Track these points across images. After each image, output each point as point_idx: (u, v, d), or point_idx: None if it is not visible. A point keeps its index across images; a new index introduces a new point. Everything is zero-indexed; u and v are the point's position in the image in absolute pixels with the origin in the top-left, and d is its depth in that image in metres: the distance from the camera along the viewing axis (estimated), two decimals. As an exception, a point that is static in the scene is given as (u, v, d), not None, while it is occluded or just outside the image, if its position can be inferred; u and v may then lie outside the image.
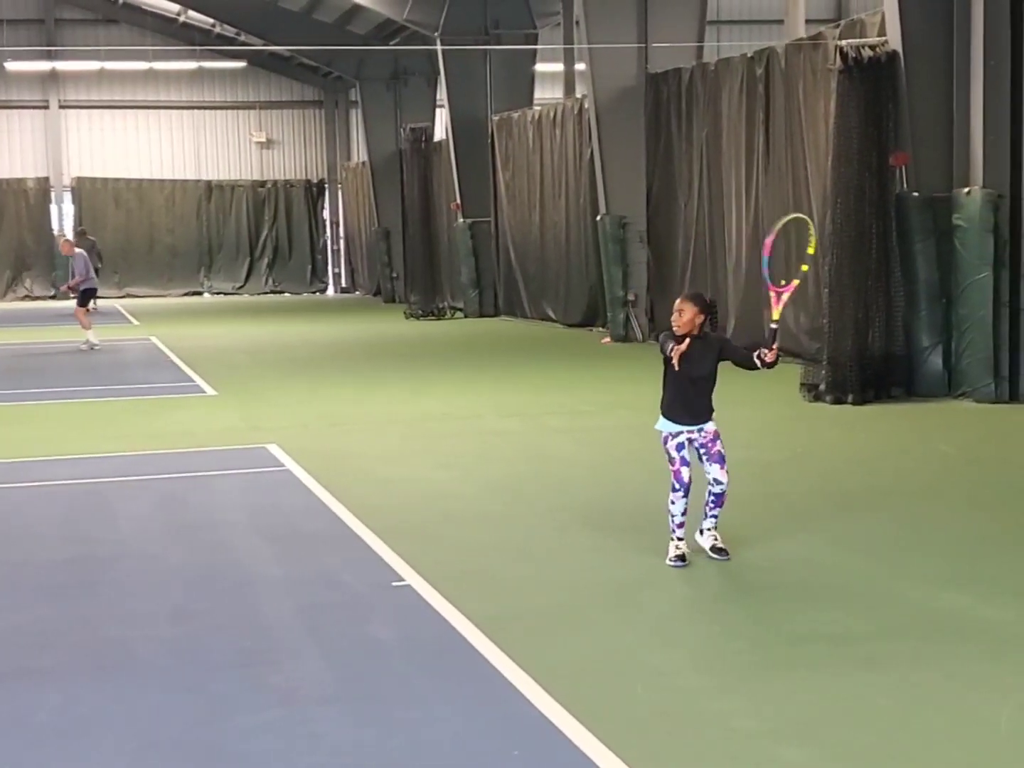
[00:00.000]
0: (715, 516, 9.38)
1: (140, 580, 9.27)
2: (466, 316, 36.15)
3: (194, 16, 47.23)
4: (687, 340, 9.00)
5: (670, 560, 9.22)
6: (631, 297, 26.69)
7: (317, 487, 12.20)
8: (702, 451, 9.24)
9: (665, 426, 9.26)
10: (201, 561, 9.78)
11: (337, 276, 54.25)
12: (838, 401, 17.17)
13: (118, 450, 14.69)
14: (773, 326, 9.33)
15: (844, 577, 8.98)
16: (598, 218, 27.25)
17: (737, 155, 23.22)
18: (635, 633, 7.80)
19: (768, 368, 9.23)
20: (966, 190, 16.96)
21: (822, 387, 17.46)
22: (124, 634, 7.96)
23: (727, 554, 9.30)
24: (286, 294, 51.87)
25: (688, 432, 9.21)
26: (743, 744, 6.09)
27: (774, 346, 9.16)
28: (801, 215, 10.30)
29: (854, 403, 17.10)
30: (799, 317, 21.15)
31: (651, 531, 9.94)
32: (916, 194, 17.48)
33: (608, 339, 26.84)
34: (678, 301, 9.22)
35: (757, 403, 16.78)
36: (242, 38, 47.94)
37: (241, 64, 49.88)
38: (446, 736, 6.26)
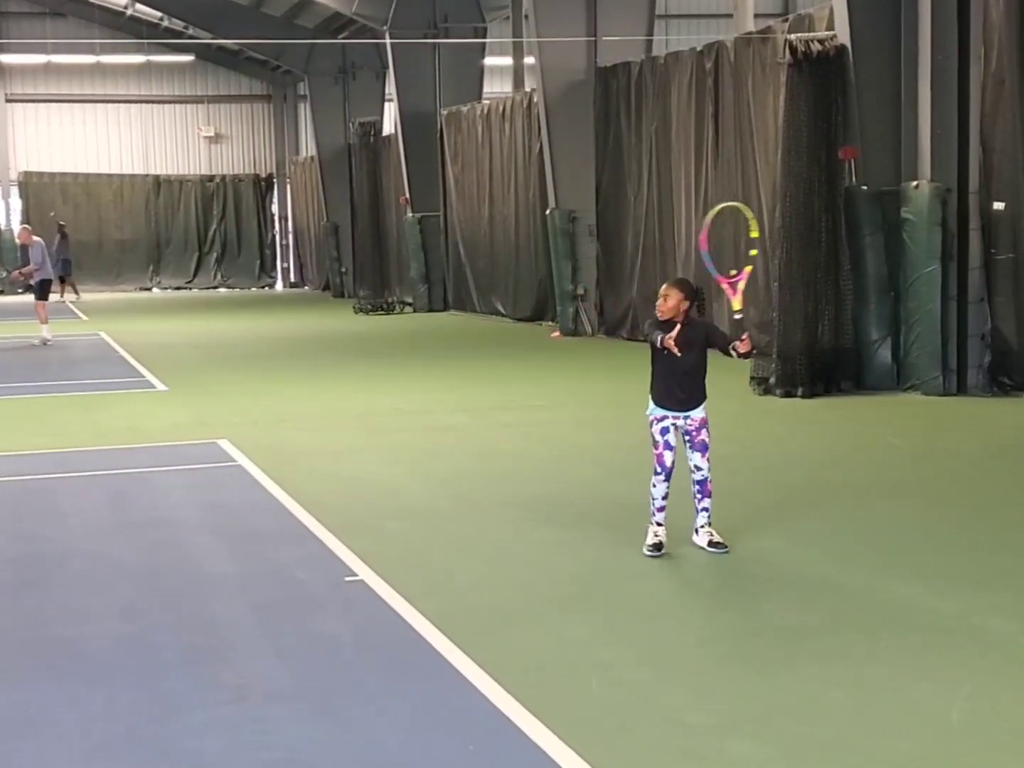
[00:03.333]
0: (706, 510, 9.39)
1: (89, 578, 9.19)
2: (415, 311, 36.11)
3: (142, 9, 46.96)
4: (678, 326, 8.98)
5: (646, 548, 9.25)
6: (580, 291, 26.73)
7: (268, 483, 12.15)
8: (686, 438, 9.29)
9: (652, 410, 9.31)
10: (151, 558, 9.72)
11: (286, 271, 54.14)
12: (788, 395, 17.24)
13: (65, 446, 14.58)
14: (737, 316, 9.39)
15: (794, 571, 9.01)
16: (547, 212, 27.28)
17: (686, 149, 23.27)
18: (588, 627, 7.80)
19: (744, 358, 9.36)
20: (914, 184, 17.05)
21: (772, 380, 17.52)
22: (73, 632, 7.90)
23: (725, 547, 9.31)
24: (235, 289, 51.71)
25: (674, 417, 9.25)
26: (696, 738, 6.10)
27: (744, 336, 9.22)
28: (734, 203, 10.26)
29: (804, 396, 17.17)
30: (749, 311, 21.20)
31: (602, 525, 9.95)
32: (865, 188, 17.56)
33: (557, 333, 26.86)
34: (664, 287, 9.25)
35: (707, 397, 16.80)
36: (190, 32, 47.71)
37: (189, 58, 49.71)
38: (400, 731, 6.24)
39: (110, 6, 48.48)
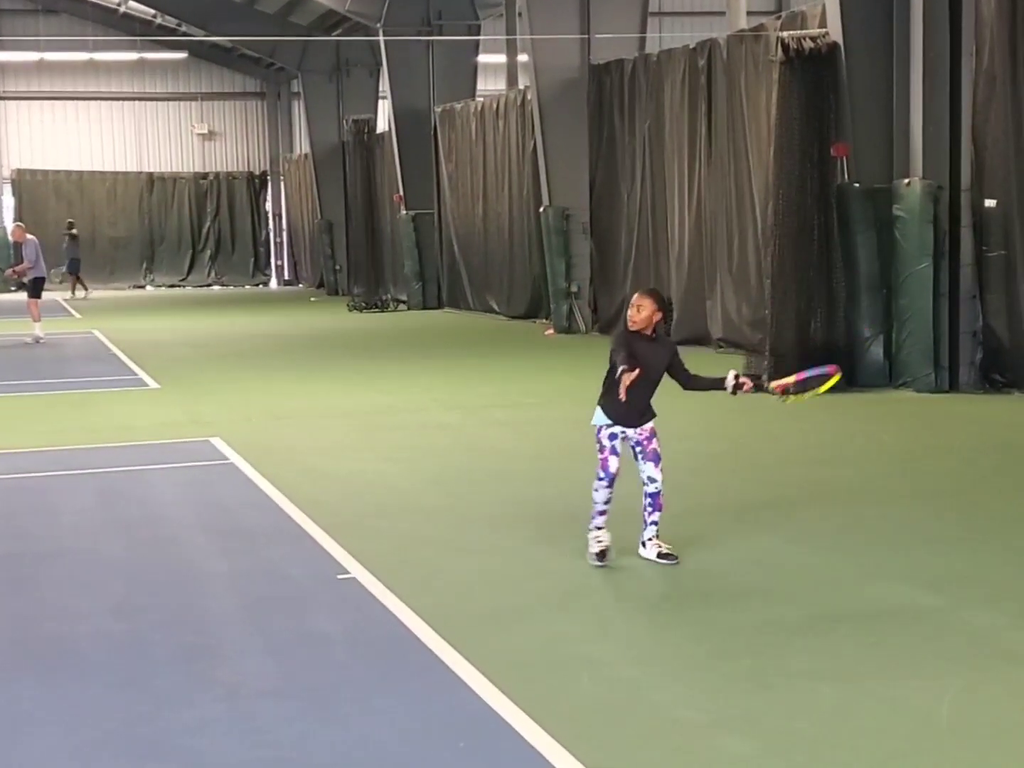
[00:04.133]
0: (655, 523, 9.05)
1: (80, 576, 9.19)
2: (409, 308, 36.10)
3: (135, 6, 46.93)
4: (637, 370, 8.49)
5: (590, 558, 8.98)
6: (574, 289, 26.76)
7: (261, 480, 12.15)
8: (637, 448, 8.97)
9: (599, 419, 8.97)
10: (143, 556, 9.73)
11: (280, 268, 54.12)
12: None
13: (58, 444, 14.57)
14: (766, 385, 9.17)
15: (784, 568, 9.03)
16: (541, 210, 27.30)
17: (679, 146, 23.29)
18: (579, 625, 7.81)
19: (731, 393, 8.97)
20: (906, 181, 17.07)
21: (764, 377, 17.52)
22: (65, 630, 7.91)
23: (675, 558, 8.99)
24: (229, 287, 51.68)
25: (622, 429, 8.95)
26: (686, 735, 6.11)
27: (746, 384, 8.93)
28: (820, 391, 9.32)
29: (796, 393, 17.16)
30: (741, 308, 21.25)
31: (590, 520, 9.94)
32: (857, 185, 17.59)
33: (551, 331, 26.88)
34: (636, 296, 8.93)
35: (698, 394, 16.80)
36: (183, 29, 47.67)
37: (182, 55, 49.67)
38: (391, 728, 6.25)
39: (103, 3, 48.47)
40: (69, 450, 14.28)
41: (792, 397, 9.12)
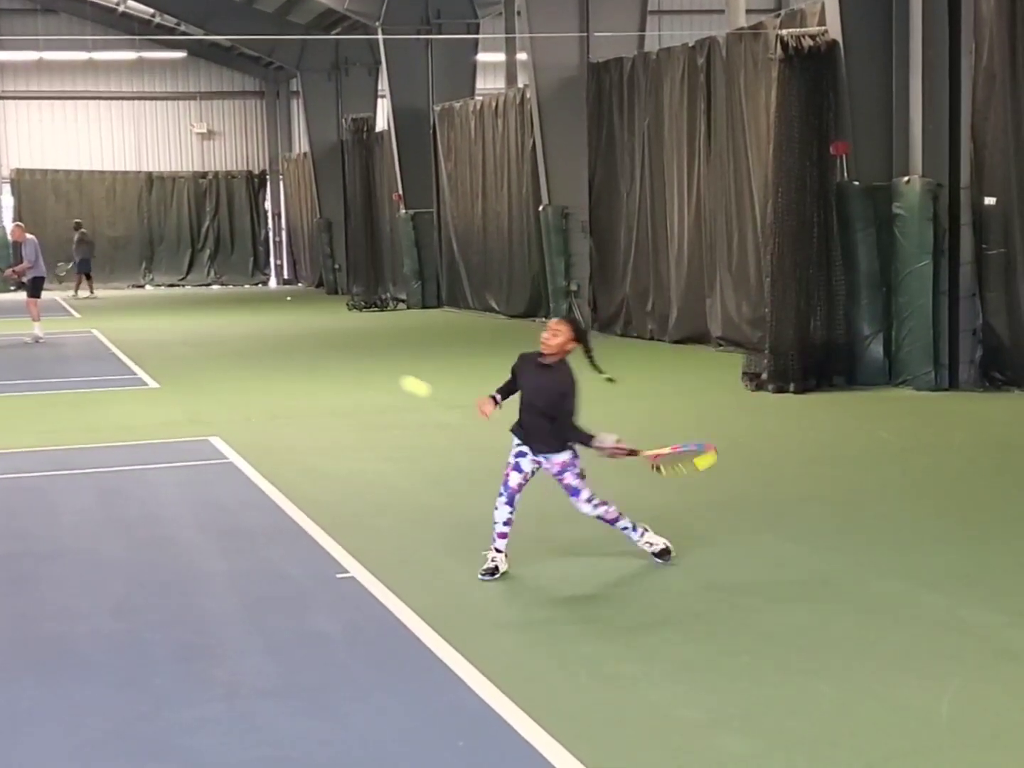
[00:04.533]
0: (626, 528, 8.94)
1: (80, 576, 9.19)
2: (409, 307, 36.09)
3: (134, 6, 46.92)
4: (490, 409, 8.67)
5: (480, 573, 8.75)
6: (573, 287, 26.76)
7: (260, 480, 12.15)
8: (559, 481, 8.82)
9: (515, 430, 8.81)
10: (142, 556, 9.73)
11: (279, 268, 54.10)
12: (780, 390, 17.25)
13: (57, 444, 14.57)
14: (640, 452, 8.82)
15: (782, 566, 9.03)
16: (540, 208, 27.31)
17: (679, 144, 23.28)
18: (577, 624, 7.80)
19: (600, 453, 8.74)
20: (906, 179, 17.06)
21: (764, 376, 17.54)
22: (64, 630, 7.90)
23: (670, 552, 8.97)
24: (228, 286, 51.67)
25: (533, 456, 8.73)
26: (686, 734, 6.11)
27: (627, 454, 8.73)
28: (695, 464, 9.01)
29: (796, 392, 17.19)
30: (741, 306, 21.24)
31: (590, 523, 9.92)
32: (856, 183, 17.59)
33: (551, 330, 26.82)
34: (553, 322, 8.73)
35: (699, 392, 16.85)
36: (182, 28, 47.67)
37: (181, 54, 49.65)
38: (390, 727, 6.25)
39: (102, 2, 48.44)
40: (68, 450, 14.28)
41: (664, 469, 8.87)
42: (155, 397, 18.53)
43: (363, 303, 36.37)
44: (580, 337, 8.70)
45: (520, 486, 8.77)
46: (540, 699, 6.50)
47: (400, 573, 8.86)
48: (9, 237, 28.17)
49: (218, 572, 9.20)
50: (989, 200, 16.82)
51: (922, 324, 16.92)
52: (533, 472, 8.82)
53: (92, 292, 44.03)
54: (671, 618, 7.93)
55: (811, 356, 17.51)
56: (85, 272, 44.18)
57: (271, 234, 54.11)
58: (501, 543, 8.82)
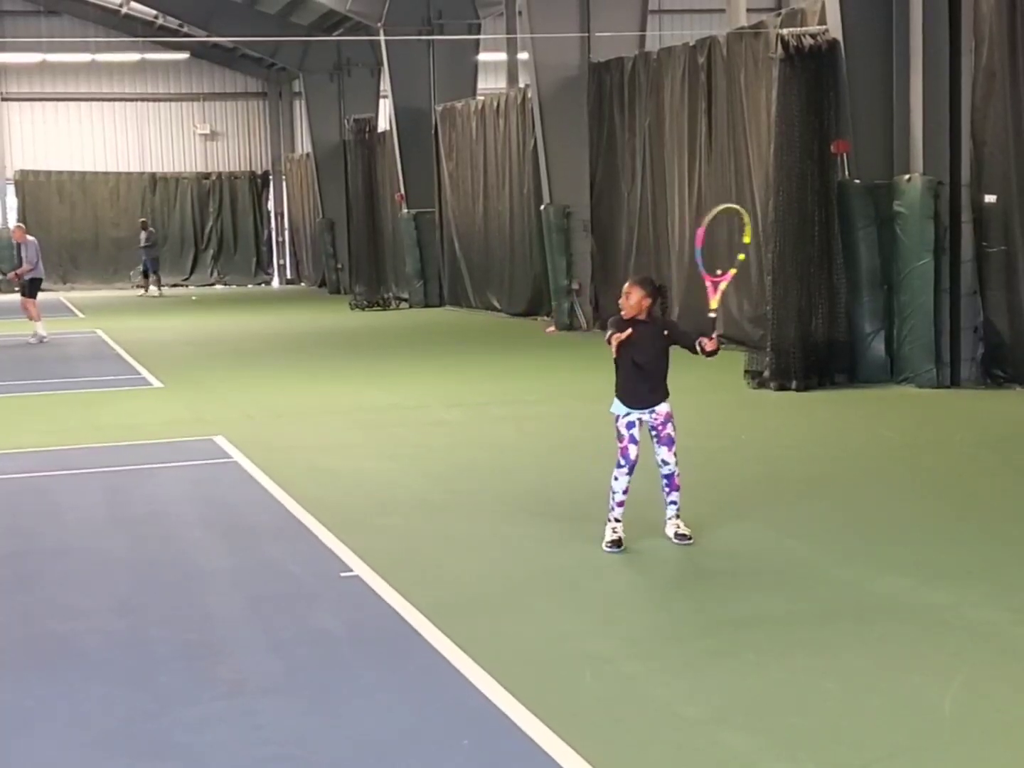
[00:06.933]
0: (674, 503, 9.44)
1: (85, 574, 9.22)
2: (411, 306, 36.11)
3: (137, 7, 46.90)
4: (629, 329, 9.02)
5: (606, 545, 9.28)
6: (575, 286, 26.77)
7: (264, 478, 12.18)
8: (652, 433, 9.31)
9: (617, 408, 9.34)
10: (147, 554, 9.75)
11: (282, 267, 54.09)
12: (782, 388, 17.27)
13: (62, 443, 14.60)
14: (712, 315, 9.45)
15: (786, 562, 9.05)
16: (542, 208, 27.31)
17: (680, 144, 23.29)
18: (581, 620, 7.83)
19: (709, 356, 9.30)
20: (906, 177, 17.09)
21: (766, 374, 17.56)
22: (69, 627, 7.93)
23: (689, 539, 9.35)
24: (232, 286, 51.69)
25: (639, 413, 9.27)
26: (689, 730, 6.14)
27: (713, 335, 9.27)
28: (733, 205, 10.24)
29: (797, 389, 17.21)
30: (743, 304, 21.26)
31: (595, 518, 9.97)
32: (857, 181, 17.60)
33: (553, 328, 26.89)
34: (626, 285, 9.28)
35: (701, 390, 16.86)
36: (185, 29, 47.68)
37: (184, 56, 49.67)
38: (394, 725, 6.27)
39: (105, 4, 48.42)
40: (73, 449, 14.31)
41: (721, 271, 9.55)
42: (159, 396, 18.56)
43: (365, 302, 36.38)
44: (652, 293, 9.22)
45: (638, 456, 9.29)
46: (544, 696, 6.52)
47: (404, 571, 8.88)
48: (13, 239, 28.05)
49: (222, 570, 9.23)
50: (989, 198, 16.83)
51: (923, 322, 16.94)
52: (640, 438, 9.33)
53: (160, 289, 45.49)
54: (675, 616, 7.95)
55: (813, 354, 17.53)
56: (155, 270, 45.56)
57: (274, 234, 54.10)
58: (619, 511, 9.37)
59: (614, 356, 9.10)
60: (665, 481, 9.39)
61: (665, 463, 9.32)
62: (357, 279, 38.38)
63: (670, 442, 9.29)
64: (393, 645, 7.44)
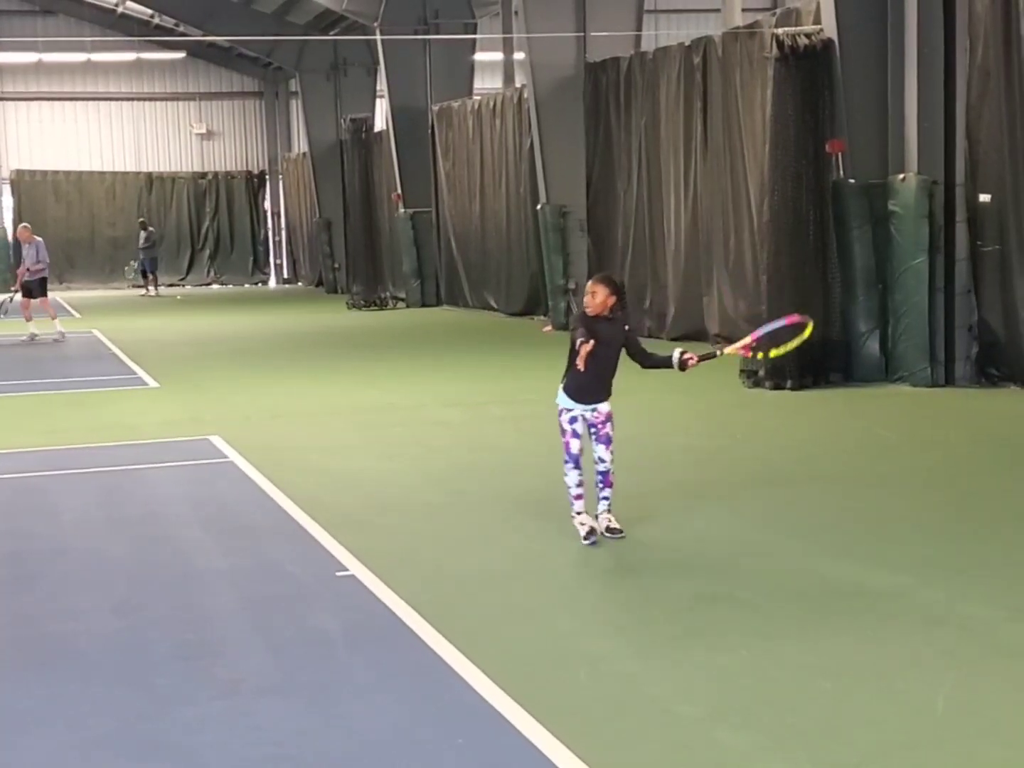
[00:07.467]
0: (606, 499, 9.68)
1: (81, 574, 9.23)
2: (408, 306, 36.13)
3: (132, 7, 46.88)
4: (592, 342, 9.13)
5: (583, 540, 9.48)
6: (572, 285, 26.77)
7: (260, 478, 12.19)
8: (592, 430, 9.58)
9: (562, 400, 9.58)
10: (143, 554, 9.76)
11: (279, 267, 54.10)
12: (777, 387, 17.30)
13: (58, 443, 14.61)
14: (719, 353, 9.78)
15: (781, 562, 9.07)
16: (538, 207, 27.33)
17: (675, 143, 23.32)
18: (577, 619, 7.85)
19: (679, 370, 9.59)
20: (901, 177, 17.11)
21: (761, 373, 17.58)
22: (66, 628, 7.94)
23: (621, 533, 9.58)
24: (228, 286, 51.68)
25: (582, 410, 9.52)
26: (683, 729, 6.16)
27: (699, 360, 9.57)
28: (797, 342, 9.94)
29: (793, 389, 17.23)
30: (738, 304, 21.28)
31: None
32: (852, 181, 17.63)
33: (549, 327, 26.88)
34: (590, 283, 9.56)
35: (696, 390, 16.89)
36: (181, 29, 47.66)
37: (180, 55, 49.65)
38: (390, 725, 6.28)
39: (100, 4, 48.41)
40: (69, 449, 14.31)
41: (762, 354, 9.88)
42: (156, 396, 18.56)
43: (362, 302, 36.39)
44: (616, 289, 9.48)
45: (581, 449, 9.55)
46: (540, 695, 6.54)
47: (400, 570, 8.90)
48: (17, 238, 27.87)
49: (219, 570, 9.24)
50: (984, 197, 16.86)
51: (918, 321, 16.97)
52: (582, 432, 9.59)
53: (156, 289, 45.60)
54: (671, 615, 7.95)
55: (808, 353, 17.43)
56: (153, 270, 45.64)
57: (271, 234, 54.09)
58: (579, 504, 9.65)
59: (580, 365, 9.09)
60: (600, 477, 9.62)
61: (602, 460, 9.58)
62: (354, 279, 38.39)
63: (607, 441, 9.57)
64: (390, 645, 7.46)
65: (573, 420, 9.52)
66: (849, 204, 17.59)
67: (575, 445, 9.53)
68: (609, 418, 9.58)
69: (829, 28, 17.67)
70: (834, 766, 5.73)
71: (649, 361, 9.70)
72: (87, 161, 51.19)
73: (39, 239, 27.86)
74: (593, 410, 9.53)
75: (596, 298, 9.39)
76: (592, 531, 9.53)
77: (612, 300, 9.41)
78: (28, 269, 27.55)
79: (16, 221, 48.18)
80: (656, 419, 15.13)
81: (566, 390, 9.54)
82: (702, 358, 9.60)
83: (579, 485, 9.59)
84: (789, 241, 17.52)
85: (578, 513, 9.64)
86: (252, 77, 52.54)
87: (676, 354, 9.55)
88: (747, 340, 9.75)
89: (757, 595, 8.22)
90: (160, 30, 48.58)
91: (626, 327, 9.57)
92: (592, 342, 9.12)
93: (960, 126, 16.82)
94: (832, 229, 17.65)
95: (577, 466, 9.55)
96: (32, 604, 8.55)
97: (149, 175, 51.83)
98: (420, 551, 9.58)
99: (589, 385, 9.48)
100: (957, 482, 11.73)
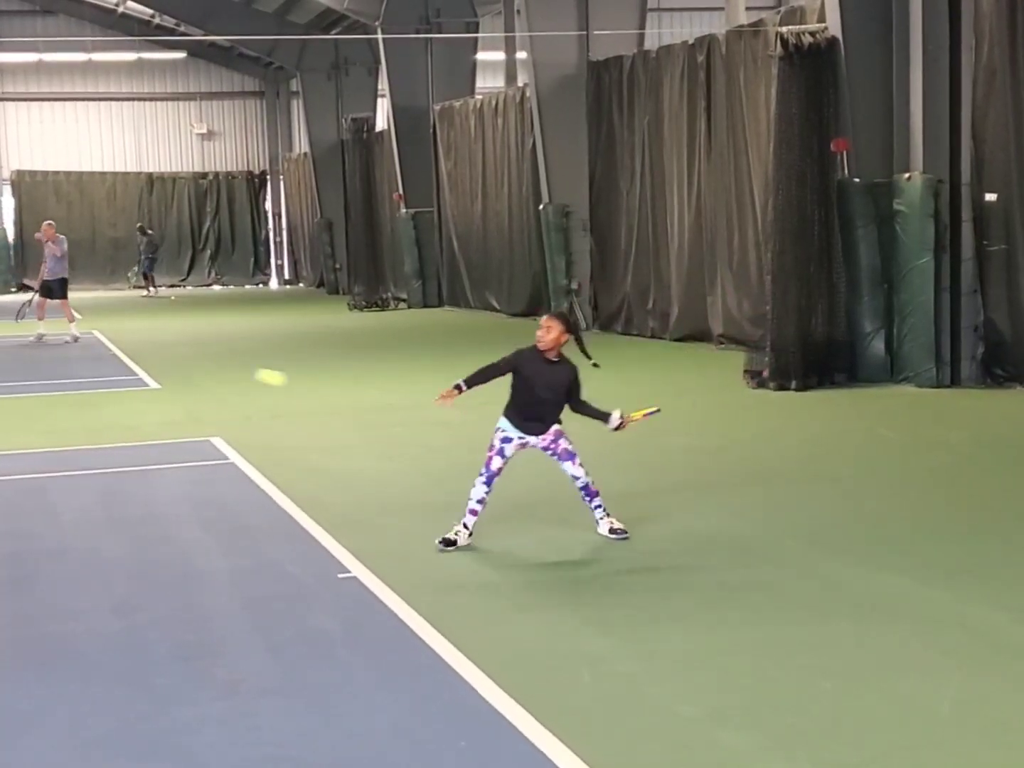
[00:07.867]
0: (599, 506, 9.57)
1: (82, 575, 9.19)
2: (410, 307, 36.11)
3: (133, 6, 46.89)
4: (452, 399, 9.34)
5: (438, 541, 9.40)
6: (574, 286, 26.74)
7: (261, 479, 12.15)
8: (548, 453, 9.50)
9: (502, 423, 9.49)
10: (144, 555, 9.73)
11: (280, 268, 54.11)
12: (781, 387, 17.24)
13: (59, 445, 14.57)
14: (633, 417, 9.68)
15: (784, 562, 9.04)
16: (540, 207, 27.29)
17: (679, 142, 23.27)
18: (577, 619, 7.81)
19: (611, 428, 9.54)
20: (906, 176, 17.05)
21: (765, 373, 17.52)
22: (66, 629, 7.91)
23: (625, 533, 9.49)
24: (229, 286, 51.68)
25: (527, 437, 9.45)
26: (685, 729, 6.12)
27: (624, 422, 9.54)
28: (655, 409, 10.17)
29: (797, 389, 17.18)
30: (742, 304, 21.23)
31: (583, 523, 9.94)
32: (857, 180, 17.58)
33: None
34: (545, 319, 9.42)
35: (701, 390, 16.84)
36: (182, 29, 47.67)
37: (181, 55, 49.67)
38: (391, 726, 6.24)
39: (101, 3, 48.43)
40: (70, 450, 14.28)
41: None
42: (156, 397, 18.53)
43: (364, 303, 36.37)
44: (570, 328, 9.37)
45: (500, 470, 9.46)
46: (541, 696, 6.50)
47: (401, 571, 8.86)
48: (43, 238, 27.59)
49: (219, 571, 9.20)
50: (990, 196, 16.81)
51: (923, 321, 16.91)
52: (511, 456, 9.52)
53: (155, 289, 45.93)
54: (672, 616, 7.92)
55: (812, 353, 17.49)
56: (149, 271, 46.23)
57: (272, 234, 54.10)
58: (471, 519, 9.48)
59: (435, 401, 9.38)
60: (583, 493, 9.55)
61: (575, 477, 9.49)
62: (355, 279, 38.37)
63: (570, 456, 9.45)
64: (390, 646, 7.42)
65: (506, 440, 9.40)
66: (854, 203, 17.53)
67: (497, 463, 9.41)
68: (560, 435, 9.44)
69: (833, 26, 17.62)
70: (835, 767, 5.69)
71: (584, 410, 9.54)
72: (88, 161, 51.20)
73: (62, 237, 27.69)
74: (537, 435, 9.40)
75: (550, 334, 9.23)
76: (453, 543, 9.38)
77: (564, 338, 9.26)
78: (49, 268, 27.26)
79: (17, 222, 48.34)
80: (661, 419, 15.02)
81: (509, 417, 9.46)
82: (627, 422, 9.54)
83: (480, 502, 9.45)
84: (793, 240, 17.46)
85: (465, 526, 9.46)
86: (253, 77, 52.55)
87: (615, 415, 9.47)
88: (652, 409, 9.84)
89: (758, 595, 8.18)
90: (161, 30, 48.60)
91: (572, 379, 9.39)
92: (454, 395, 9.29)
93: (966, 125, 16.76)
94: (837, 228, 17.61)
95: (488, 483, 9.42)
96: (32, 604, 8.51)
97: (150, 175, 51.83)
98: (422, 552, 9.52)
99: (529, 425, 9.39)
100: (962, 483, 11.68)
